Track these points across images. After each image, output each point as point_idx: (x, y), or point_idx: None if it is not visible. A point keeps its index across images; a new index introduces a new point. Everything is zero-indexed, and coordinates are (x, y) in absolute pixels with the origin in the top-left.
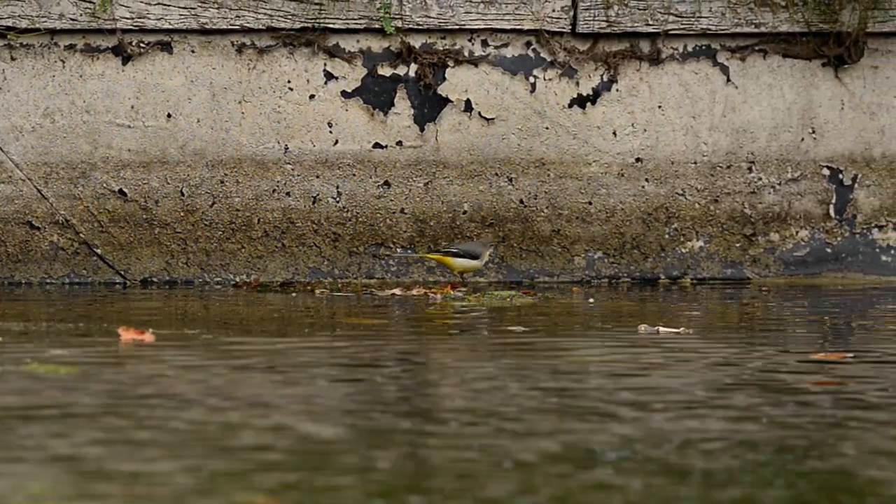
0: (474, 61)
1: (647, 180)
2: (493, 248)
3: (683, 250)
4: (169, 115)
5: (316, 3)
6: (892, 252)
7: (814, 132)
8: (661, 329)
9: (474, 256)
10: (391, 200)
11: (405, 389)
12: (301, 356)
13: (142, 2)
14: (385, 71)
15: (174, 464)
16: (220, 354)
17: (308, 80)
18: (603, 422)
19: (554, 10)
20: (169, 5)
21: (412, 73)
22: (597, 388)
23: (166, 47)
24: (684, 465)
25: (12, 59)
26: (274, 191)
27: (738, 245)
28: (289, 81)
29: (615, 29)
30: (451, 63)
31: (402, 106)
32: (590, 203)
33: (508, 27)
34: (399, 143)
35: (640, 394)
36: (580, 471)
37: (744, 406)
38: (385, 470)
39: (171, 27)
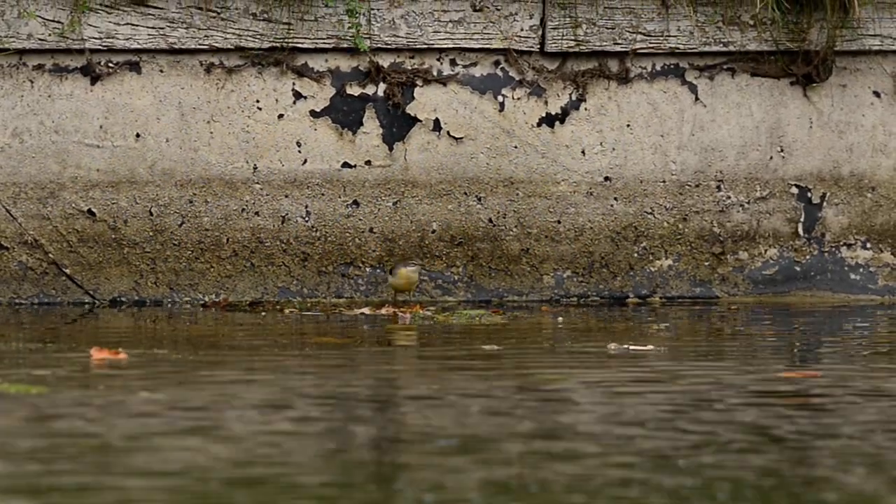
0: (443, 80)
1: (615, 199)
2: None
3: (652, 269)
4: (137, 135)
5: (284, 23)
6: (861, 270)
7: (782, 151)
8: (631, 347)
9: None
10: (360, 220)
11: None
12: (272, 379)
13: (110, 22)
14: (354, 90)
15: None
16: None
17: (277, 100)
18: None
19: (522, 30)
20: (137, 25)
21: (381, 93)
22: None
23: (135, 67)
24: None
25: None
26: (243, 210)
27: (706, 264)
28: (257, 101)
29: (584, 48)
30: (419, 82)
31: (371, 125)
32: (559, 222)
33: (477, 46)
34: (368, 162)
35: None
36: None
37: (712, 421)
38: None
39: (139, 47)
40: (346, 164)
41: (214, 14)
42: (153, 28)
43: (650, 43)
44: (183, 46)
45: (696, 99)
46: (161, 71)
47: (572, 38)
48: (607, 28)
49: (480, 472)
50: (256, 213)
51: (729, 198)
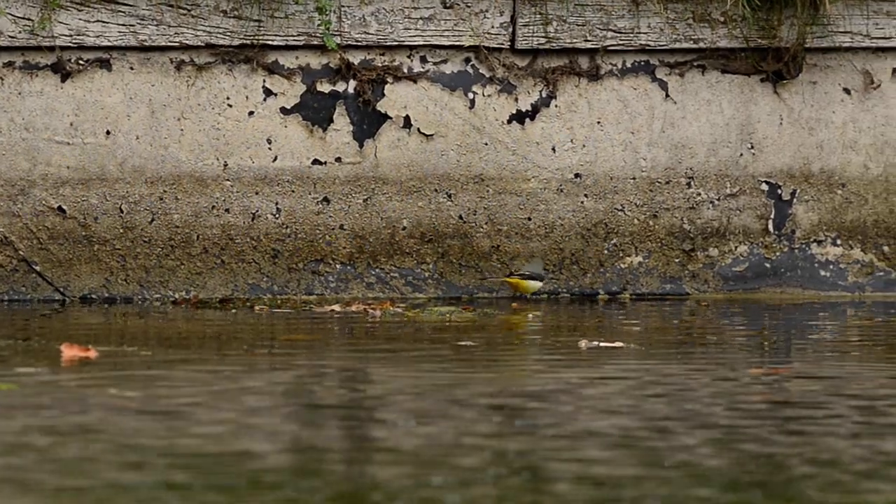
0: (413, 77)
1: (586, 196)
2: (543, 264)
3: (622, 266)
4: (108, 132)
5: (255, 20)
6: (831, 267)
7: (752, 147)
8: (602, 344)
9: (541, 278)
10: (330, 217)
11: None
12: (241, 376)
13: (81, 19)
14: (324, 87)
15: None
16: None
17: (247, 97)
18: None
19: (493, 27)
20: (108, 22)
21: (351, 90)
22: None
23: (105, 64)
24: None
25: None
26: (213, 207)
27: (677, 260)
28: (228, 98)
29: (554, 45)
30: (390, 79)
31: (341, 122)
32: (529, 219)
33: (447, 43)
34: (338, 159)
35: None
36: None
37: (684, 419)
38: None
39: (109, 44)
40: (316, 161)
41: (185, 11)
42: (123, 25)
43: (620, 40)
44: (153, 44)
45: (667, 96)
46: (131, 68)
47: (543, 35)
48: (578, 25)
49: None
50: (227, 210)
51: (699, 195)
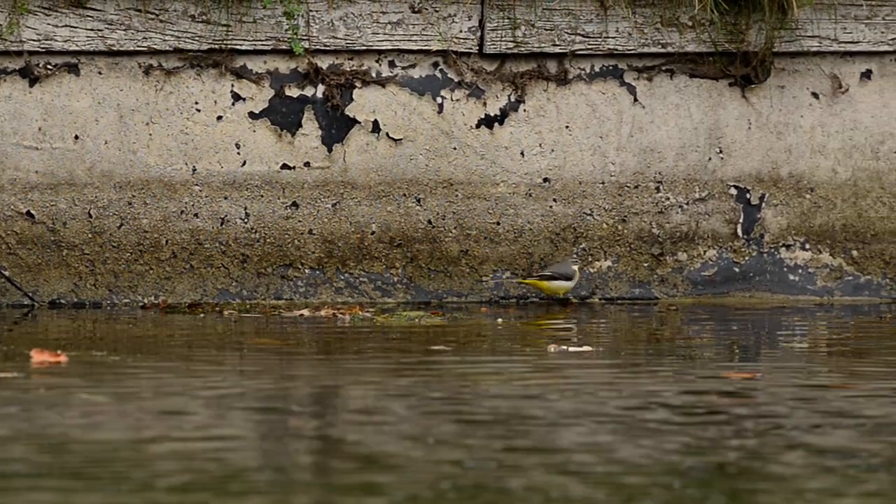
0: (382, 82)
1: (554, 200)
2: (580, 263)
3: (591, 270)
4: (76, 137)
5: (223, 25)
6: (800, 271)
7: (721, 152)
8: (571, 349)
9: (568, 277)
10: (299, 221)
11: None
12: (210, 382)
13: (49, 23)
14: (292, 92)
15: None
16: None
17: (216, 102)
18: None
19: (461, 31)
20: (76, 27)
21: (320, 94)
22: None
23: (73, 69)
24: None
25: None
26: (182, 212)
27: (645, 265)
28: (196, 103)
29: (522, 49)
30: (358, 84)
31: (310, 127)
32: (498, 223)
33: (416, 48)
34: (307, 164)
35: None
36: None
37: (660, 420)
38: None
39: (78, 49)
40: (285, 166)
41: (153, 16)
42: (92, 30)
43: (589, 44)
44: (121, 48)
45: (635, 100)
46: (100, 73)
47: (511, 39)
48: (546, 29)
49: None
50: (195, 215)
51: (668, 199)
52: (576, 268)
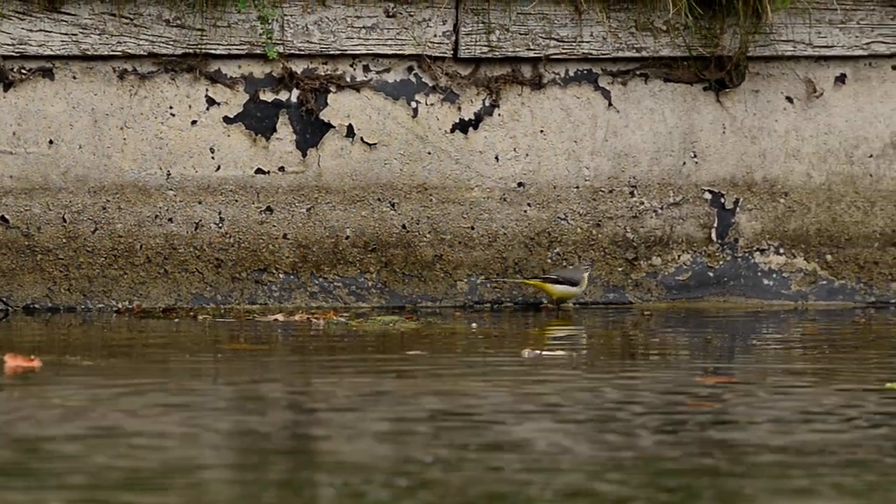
0: (356, 86)
1: (529, 205)
2: (590, 272)
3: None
4: (51, 142)
5: (197, 29)
6: (774, 276)
7: (695, 156)
8: (544, 353)
9: (573, 283)
10: (274, 226)
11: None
12: (187, 387)
13: (23, 28)
14: (267, 96)
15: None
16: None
17: (190, 106)
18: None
19: (436, 36)
20: (50, 32)
21: (294, 99)
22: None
23: (48, 73)
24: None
25: None
26: (156, 217)
27: (620, 269)
28: (171, 107)
29: (497, 54)
30: (333, 88)
31: (285, 131)
32: (472, 228)
33: (390, 52)
34: (281, 168)
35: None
36: None
37: (637, 424)
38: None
39: (52, 53)
40: (259, 171)
41: (127, 20)
42: (66, 34)
43: (563, 49)
44: (96, 53)
45: (610, 104)
46: (74, 77)
47: (486, 43)
48: (520, 34)
49: None
50: (170, 220)
51: (642, 203)
52: (585, 275)
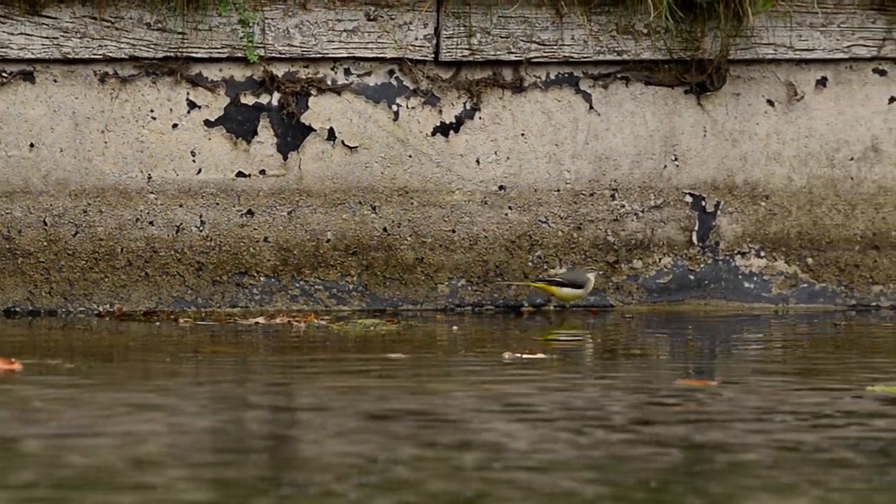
0: (337, 90)
1: (510, 208)
2: (596, 275)
3: (547, 278)
4: (32, 145)
5: (178, 33)
6: (755, 279)
7: (676, 159)
8: (525, 356)
9: (579, 285)
10: (255, 229)
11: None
12: (167, 390)
13: (4, 31)
14: (248, 100)
15: None
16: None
17: (171, 109)
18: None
19: (417, 39)
20: (31, 35)
21: (275, 102)
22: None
23: (28, 77)
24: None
25: None
26: (137, 220)
27: (601, 272)
28: (152, 111)
29: (478, 57)
30: (313, 91)
31: (266, 135)
32: (453, 231)
33: (371, 55)
34: (262, 171)
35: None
36: None
37: (619, 426)
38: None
39: (33, 56)
40: (240, 174)
41: (109, 24)
42: (47, 38)
43: (544, 52)
44: (77, 56)
45: (591, 108)
46: (55, 80)
47: (467, 47)
48: (502, 37)
49: None
50: (151, 223)
51: (623, 206)
52: (591, 276)
